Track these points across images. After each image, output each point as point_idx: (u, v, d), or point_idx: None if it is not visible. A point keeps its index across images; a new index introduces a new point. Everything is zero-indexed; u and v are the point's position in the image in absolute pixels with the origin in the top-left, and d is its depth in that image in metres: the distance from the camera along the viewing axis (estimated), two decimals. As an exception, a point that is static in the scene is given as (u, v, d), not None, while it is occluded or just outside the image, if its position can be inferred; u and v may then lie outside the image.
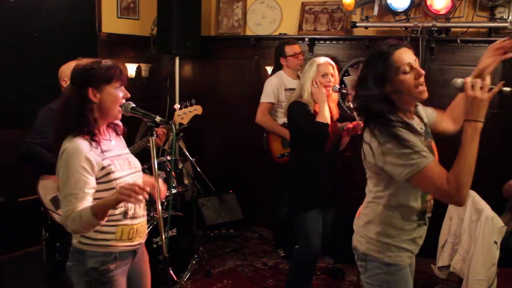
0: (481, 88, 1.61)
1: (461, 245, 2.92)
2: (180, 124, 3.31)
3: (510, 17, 3.44)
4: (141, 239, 2.08)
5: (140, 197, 1.72)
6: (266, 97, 3.94)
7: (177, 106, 3.27)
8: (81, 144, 1.85)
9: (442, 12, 3.50)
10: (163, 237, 1.86)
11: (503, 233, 2.78)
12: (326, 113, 2.87)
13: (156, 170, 1.93)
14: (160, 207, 1.89)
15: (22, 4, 3.93)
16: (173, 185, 3.55)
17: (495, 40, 3.60)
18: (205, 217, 4.60)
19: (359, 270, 2.04)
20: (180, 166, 3.78)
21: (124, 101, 1.98)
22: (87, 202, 1.81)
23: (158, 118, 1.97)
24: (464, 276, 2.83)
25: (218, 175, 4.87)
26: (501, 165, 3.42)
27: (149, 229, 3.20)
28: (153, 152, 1.94)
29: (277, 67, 4.03)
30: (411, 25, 3.68)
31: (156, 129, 2.13)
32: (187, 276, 3.61)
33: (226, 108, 5.08)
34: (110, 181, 1.91)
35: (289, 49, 3.86)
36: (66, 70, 2.97)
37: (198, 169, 4.09)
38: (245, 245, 4.55)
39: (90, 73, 1.89)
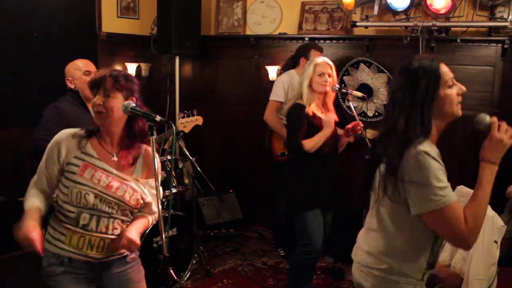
0: (506, 131, 1.60)
1: (461, 244, 2.92)
2: (183, 132, 3.52)
3: (510, 17, 3.44)
4: (97, 254, 1.95)
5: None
6: (276, 95, 3.93)
7: (180, 114, 3.41)
8: (67, 136, 1.96)
9: (442, 11, 3.51)
10: (163, 236, 1.86)
11: (503, 233, 2.79)
12: (318, 143, 2.89)
13: (156, 169, 1.93)
14: (160, 206, 1.89)
15: (22, 4, 3.93)
16: (173, 184, 3.56)
17: (495, 40, 3.64)
18: (205, 217, 4.61)
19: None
20: (180, 165, 3.79)
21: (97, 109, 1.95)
22: (44, 180, 1.97)
23: (158, 118, 1.96)
24: (464, 276, 2.84)
25: (218, 174, 4.86)
26: (501, 165, 3.43)
27: (149, 228, 3.20)
28: (153, 152, 1.94)
29: (292, 63, 4.01)
30: (411, 25, 3.67)
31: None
32: (187, 276, 3.61)
33: (226, 107, 5.08)
34: (69, 180, 1.92)
35: (314, 55, 3.81)
36: (70, 69, 2.97)
37: (198, 168, 4.08)
38: (245, 245, 4.55)
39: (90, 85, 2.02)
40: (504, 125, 1.61)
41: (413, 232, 1.67)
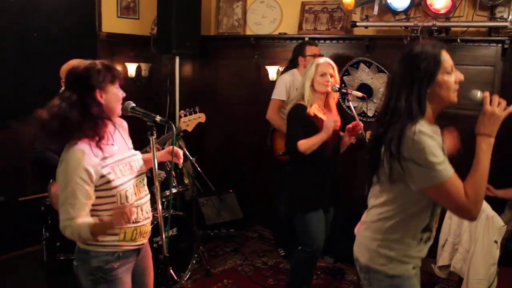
0: (499, 104, 1.66)
1: (461, 244, 2.93)
2: (185, 131, 3.45)
3: (510, 17, 3.44)
4: (144, 239, 2.11)
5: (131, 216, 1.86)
6: (277, 94, 3.93)
7: (182, 113, 3.38)
8: (82, 152, 1.86)
9: (442, 11, 3.51)
10: (163, 236, 1.86)
11: (503, 233, 2.79)
12: (314, 146, 2.86)
13: (156, 169, 1.94)
14: (160, 206, 1.90)
15: (22, 4, 3.93)
16: (174, 184, 3.56)
17: (495, 40, 3.64)
18: (205, 217, 4.61)
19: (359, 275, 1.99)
20: (180, 165, 3.78)
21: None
22: (84, 211, 1.86)
23: (158, 118, 1.97)
24: (464, 276, 2.84)
25: (218, 174, 4.87)
26: (501, 164, 3.42)
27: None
28: (153, 152, 1.94)
29: (292, 65, 4.03)
30: (411, 25, 3.68)
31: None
32: (187, 276, 3.61)
33: (226, 107, 5.08)
34: (111, 189, 1.93)
35: (310, 50, 3.85)
36: (65, 70, 2.96)
37: (198, 168, 4.09)
38: (245, 245, 4.55)
39: (95, 75, 1.90)
40: (496, 98, 1.67)
41: (410, 205, 1.75)
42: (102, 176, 1.90)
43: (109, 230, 1.90)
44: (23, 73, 3.99)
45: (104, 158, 1.93)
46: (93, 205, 1.92)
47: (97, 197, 1.91)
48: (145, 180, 2.14)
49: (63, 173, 1.86)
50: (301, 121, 2.93)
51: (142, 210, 2.07)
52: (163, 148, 4.11)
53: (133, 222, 2.01)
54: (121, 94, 2.00)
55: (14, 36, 3.94)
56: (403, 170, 1.66)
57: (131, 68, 4.79)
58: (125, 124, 2.19)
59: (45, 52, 4.06)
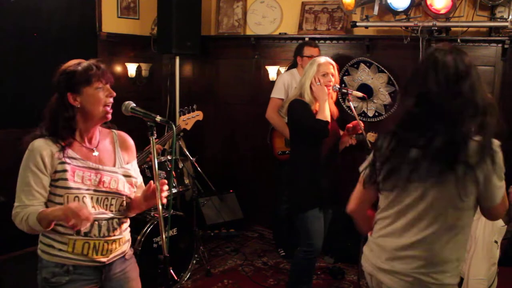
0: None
1: (462, 244, 2.92)
2: (184, 129, 3.51)
3: (510, 17, 3.45)
4: (103, 257, 1.94)
5: (83, 223, 1.70)
6: (277, 92, 3.94)
7: (186, 109, 3.45)
8: (44, 144, 1.85)
9: (442, 11, 3.51)
10: (164, 236, 1.85)
11: (503, 233, 2.79)
12: (327, 111, 2.86)
13: (157, 169, 1.93)
14: (160, 206, 1.89)
15: (22, 4, 3.93)
16: (174, 184, 3.56)
17: (495, 40, 3.64)
18: (206, 217, 4.61)
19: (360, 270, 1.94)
20: (181, 165, 3.79)
21: (111, 100, 1.92)
22: (38, 200, 1.84)
23: (158, 118, 1.96)
24: (464, 276, 2.84)
25: (218, 174, 4.87)
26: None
27: (149, 228, 3.22)
28: (153, 152, 1.94)
29: (293, 65, 4.05)
30: (411, 25, 3.68)
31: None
32: (188, 276, 3.61)
33: (226, 107, 5.09)
34: (61, 187, 1.85)
35: (308, 51, 3.85)
36: None
37: (199, 168, 4.09)
38: (245, 245, 4.55)
39: (67, 77, 1.86)
40: None
41: (468, 223, 1.68)
42: (56, 172, 1.84)
43: (56, 219, 1.76)
44: (24, 73, 3.99)
45: (70, 157, 1.87)
46: (47, 202, 1.87)
47: (49, 191, 1.86)
48: (118, 201, 1.99)
49: (24, 161, 1.88)
50: (306, 108, 2.91)
51: (101, 226, 1.91)
52: (163, 148, 4.14)
53: (83, 235, 1.88)
54: (104, 95, 1.89)
55: (15, 36, 3.93)
56: (480, 185, 1.54)
57: (131, 68, 4.78)
58: (129, 142, 2.11)
59: (45, 52, 4.06)
